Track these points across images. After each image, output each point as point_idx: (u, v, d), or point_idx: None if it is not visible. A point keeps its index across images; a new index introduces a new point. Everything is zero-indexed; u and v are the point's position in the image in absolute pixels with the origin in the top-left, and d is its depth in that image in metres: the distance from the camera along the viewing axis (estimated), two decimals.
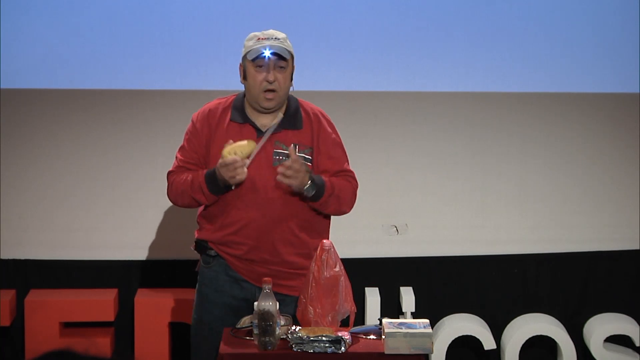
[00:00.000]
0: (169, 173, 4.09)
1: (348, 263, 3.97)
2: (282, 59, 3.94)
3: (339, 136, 4.10)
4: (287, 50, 3.97)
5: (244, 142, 3.89)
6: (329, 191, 3.96)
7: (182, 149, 4.09)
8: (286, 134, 4.01)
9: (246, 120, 4.01)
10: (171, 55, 5.13)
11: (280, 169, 3.88)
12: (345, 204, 4.05)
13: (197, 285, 4.15)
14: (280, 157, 3.97)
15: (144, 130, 5.21)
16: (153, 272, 5.22)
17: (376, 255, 5.28)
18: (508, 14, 5.23)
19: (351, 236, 5.23)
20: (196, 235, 4.14)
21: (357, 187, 4.08)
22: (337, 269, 3.76)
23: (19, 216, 5.19)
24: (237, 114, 4.02)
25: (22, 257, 5.18)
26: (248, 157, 3.89)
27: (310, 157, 4.01)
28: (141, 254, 5.22)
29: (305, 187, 3.90)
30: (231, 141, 3.89)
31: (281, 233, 4.00)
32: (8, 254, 5.17)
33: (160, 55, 5.12)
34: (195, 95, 5.12)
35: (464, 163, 5.33)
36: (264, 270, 3.98)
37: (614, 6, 5.25)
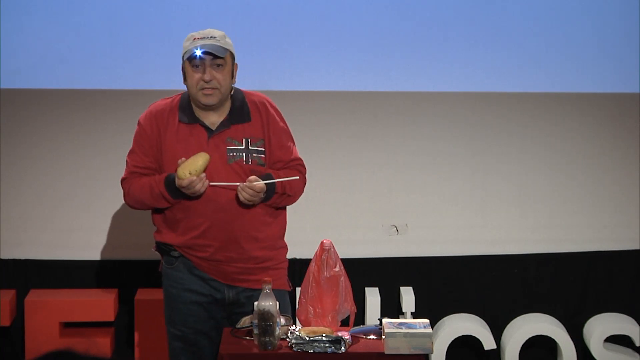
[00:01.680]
0: (123, 180, 4.05)
1: (348, 263, 3.97)
2: (217, 57, 3.91)
3: (286, 123, 4.09)
4: (221, 48, 3.92)
5: (196, 159, 3.86)
6: (279, 192, 3.97)
7: (132, 153, 4.06)
8: (236, 128, 3.98)
9: (194, 120, 3.99)
10: (171, 55, 5.12)
11: (245, 198, 3.87)
12: (294, 197, 4.08)
13: (163, 288, 4.12)
14: (234, 154, 3.96)
15: None
16: (153, 272, 5.21)
17: (376, 255, 5.28)
18: (508, 14, 5.23)
19: (351, 236, 5.23)
20: (156, 238, 4.10)
21: (305, 174, 4.08)
22: (337, 269, 3.76)
23: (19, 216, 5.19)
24: (184, 115, 3.99)
25: (22, 257, 5.18)
26: (205, 170, 3.87)
27: (262, 149, 4.00)
28: (141, 254, 5.21)
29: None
30: (183, 159, 3.87)
31: (245, 230, 3.98)
32: (8, 254, 5.17)
33: (160, 55, 5.11)
34: None
35: (464, 163, 5.33)
36: (230, 269, 3.99)
37: (614, 6, 5.25)
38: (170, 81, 5.15)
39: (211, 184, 3.90)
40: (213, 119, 3.99)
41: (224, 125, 3.98)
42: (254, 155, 3.98)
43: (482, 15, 5.22)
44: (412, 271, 5.28)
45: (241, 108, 4.01)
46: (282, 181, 3.95)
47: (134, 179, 4.01)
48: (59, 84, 5.13)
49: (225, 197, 3.95)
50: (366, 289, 5.18)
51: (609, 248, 5.37)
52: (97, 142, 5.21)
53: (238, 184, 3.90)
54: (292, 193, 4.03)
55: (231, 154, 3.96)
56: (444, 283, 5.30)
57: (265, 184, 3.89)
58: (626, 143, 5.39)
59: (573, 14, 5.25)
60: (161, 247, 4.08)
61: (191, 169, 3.84)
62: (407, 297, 5.09)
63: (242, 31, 4.99)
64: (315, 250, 3.78)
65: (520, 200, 5.37)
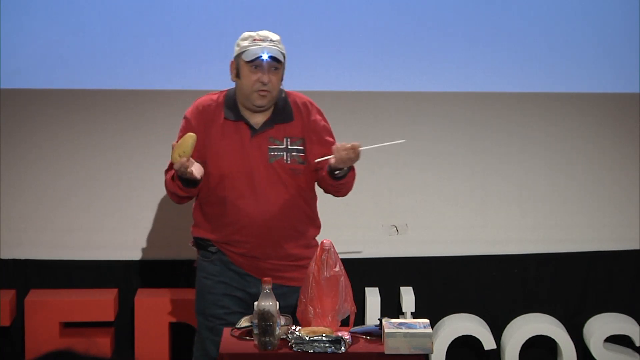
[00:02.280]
0: (165, 172, 4.13)
1: (348, 263, 3.97)
2: (278, 62, 4.02)
3: (327, 122, 4.19)
4: (282, 53, 4.04)
5: (185, 140, 3.89)
6: (352, 174, 4.07)
7: None
8: (278, 128, 4.08)
9: (240, 118, 4.07)
10: (171, 55, 5.13)
11: (342, 155, 3.90)
12: (349, 189, 4.17)
13: (196, 280, 4.19)
14: (275, 154, 4.06)
15: (144, 130, 5.21)
16: (153, 272, 5.22)
17: (376, 255, 5.28)
18: (508, 14, 5.23)
19: (351, 236, 5.23)
20: (194, 233, 4.18)
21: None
22: (337, 269, 3.76)
23: (19, 216, 5.19)
24: (231, 112, 4.08)
25: (22, 257, 5.18)
26: (194, 150, 3.90)
27: (302, 148, 4.09)
28: (141, 254, 5.22)
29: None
30: (173, 143, 3.91)
31: (282, 228, 4.07)
32: (8, 254, 5.17)
33: (160, 55, 5.11)
34: (195, 95, 5.10)
35: (464, 163, 5.33)
36: (267, 265, 4.06)
37: (614, 6, 5.25)
38: (171, 81, 5.15)
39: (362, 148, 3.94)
40: (257, 119, 4.08)
41: (267, 125, 4.07)
42: (294, 154, 4.08)
43: (482, 15, 5.22)
44: (412, 271, 5.28)
45: (284, 108, 4.11)
46: (377, 147, 4.02)
47: (171, 171, 4.08)
48: (59, 84, 5.13)
49: (263, 194, 4.04)
50: (366, 289, 5.18)
51: (609, 248, 5.37)
52: (97, 142, 5.20)
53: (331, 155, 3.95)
54: (352, 182, 4.13)
55: (272, 153, 4.06)
56: (444, 283, 5.30)
57: (359, 144, 3.92)
58: (626, 143, 5.39)
59: (573, 14, 5.25)
60: (199, 242, 4.16)
61: (180, 151, 3.88)
62: (407, 297, 5.09)
63: (242, 31, 4.98)
64: (315, 251, 3.79)
65: (520, 200, 5.37)
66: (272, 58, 3.99)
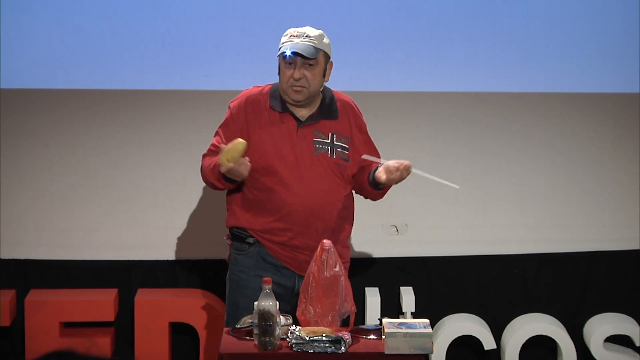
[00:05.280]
0: (203, 156, 4.20)
1: None
2: (307, 58, 4.05)
3: (366, 125, 4.29)
4: (313, 48, 4.06)
5: (235, 146, 3.94)
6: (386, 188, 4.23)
7: (217, 134, 4.20)
8: (324, 123, 4.15)
9: (286, 109, 4.13)
10: (171, 55, 5.13)
11: (391, 166, 4.02)
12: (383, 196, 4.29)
13: (229, 275, 4.21)
14: (320, 146, 4.12)
15: (143, 130, 5.21)
16: (153, 272, 5.21)
17: (376, 255, 5.29)
18: (508, 14, 5.23)
19: (351, 236, 5.23)
20: (230, 222, 4.21)
21: None
22: (337, 269, 3.76)
23: (19, 216, 5.19)
24: (276, 103, 4.13)
25: (22, 257, 5.17)
26: (244, 156, 3.95)
27: (347, 146, 4.17)
28: (141, 254, 5.21)
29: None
30: (223, 145, 3.97)
31: (324, 220, 4.11)
32: (8, 254, 5.17)
33: (160, 55, 5.11)
34: (195, 95, 5.12)
35: (464, 163, 5.33)
36: (305, 257, 4.08)
37: (614, 6, 5.25)
38: (171, 81, 5.15)
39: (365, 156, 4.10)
40: (303, 112, 4.15)
41: (313, 118, 4.14)
42: (339, 150, 4.15)
43: (482, 15, 5.22)
44: (412, 271, 5.28)
45: (330, 105, 4.18)
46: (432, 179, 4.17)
47: (210, 156, 4.15)
48: (59, 84, 5.13)
49: (307, 185, 4.09)
50: (366, 289, 5.18)
51: (609, 248, 5.37)
52: (97, 142, 5.20)
53: (381, 160, 4.11)
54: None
55: (317, 145, 4.12)
56: (444, 283, 5.30)
57: (411, 165, 4.05)
58: (626, 143, 5.39)
59: (573, 14, 5.25)
60: (235, 233, 4.18)
61: (228, 156, 3.93)
62: (407, 297, 5.09)
63: (242, 31, 4.99)
64: (316, 251, 3.79)
65: (520, 200, 5.37)
66: (296, 54, 4.03)
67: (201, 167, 4.18)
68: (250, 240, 4.15)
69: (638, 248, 5.37)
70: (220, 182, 4.08)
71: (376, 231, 5.30)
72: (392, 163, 4.04)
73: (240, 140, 3.96)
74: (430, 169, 5.31)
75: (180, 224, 5.20)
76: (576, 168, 5.39)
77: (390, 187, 4.20)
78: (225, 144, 4.03)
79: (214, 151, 4.13)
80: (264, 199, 4.11)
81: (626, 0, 5.24)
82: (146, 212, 5.23)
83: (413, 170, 4.04)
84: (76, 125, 5.20)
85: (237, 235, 4.18)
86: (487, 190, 5.36)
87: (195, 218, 5.21)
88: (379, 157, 4.22)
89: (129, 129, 5.21)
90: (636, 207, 5.39)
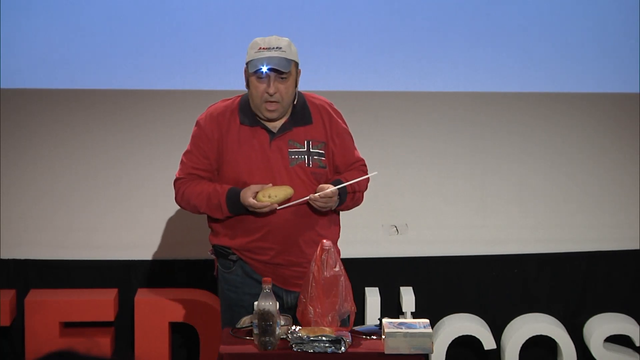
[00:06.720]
0: (177, 180, 4.04)
1: (348, 263, 3.97)
2: (281, 72, 3.89)
3: (345, 123, 4.11)
4: (286, 61, 3.90)
5: (283, 188, 3.89)
6: (349, 197, 4.04)
7: (188, 153, 4.04)
8: (297, 131, 3.99)
9: (256, 123, 3.98)
10: (171, 55, 5.13)
11: (320, 206, 3.91)
12: (361, 199, 4.14)
13: (220, 291, 4.13)
14: (296, 157, 3.97)
15: (144, 130, 5.21)
16: (153, 272, 5.22)
17: (376, 255, 5.28)
18: (508, 14, 5.23)
19: (351, 236, 5.22)
20: (213, 241, 4.10)
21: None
22: (337, 269, 3.76)
23: (19, 216, 5.19)
24: (246, 118, 3.98)
25: (22, 257, 5.18)
26: (281, 204, 3.89)
27: (323, 152, 4.01)
28: (141, 254, 5.21)
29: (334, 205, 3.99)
30: (270, 184, 3.89)
31: (306, 234, 4.00)
32: (8, 254, 5.17)
33: (160, 55, 5.11)
34: (195, 95, 5.12)
35: (464, 163, 5.33)
36: (289, 273, 4.01)
37: (614, 6, 5.25)
38: (170, 81, 5.15)
39: (279, 207, 3.90)
40: (275, 123, 3.99)
41: (286, 127, 3.98)
42: (315, 157, 4.00)
43: (482, 15, 5.22)
44: (412, 271, 5.28)
45: (302, 111, 4.01)
46: (348, 181, 3.99)
47: (191, 181, 4.00)
48: (59, 84, 5.13)
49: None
50: (366, 289, 5.18)
51: (609, 248, 5.37)
52: (97, 142, 5.20)
53: (307, 197, 3.91)
54: (359, 195, 4.09)
55: (293, 156, 3.97)
56: (444, 283, 5.30)
57: (337, 188, 3.91)
58: (626, 143, 5.39)
59: (573, 14, 5.25)
60: (218, 250, 4.08)
61: (272, 193, 3.86)
62: (407, 297, 5.09)
63: (242, 31, 4.99)
64: (316, 251, 3.78)
65: (520, 200, 5.37)
66: (273, 70, 3.87)
67: (182, 192, 4.01)
68: (233, 257, 4.04)
69: (638, 248, 5.37)
70: (215, 212, 3.95)
71: (376, 231, 5.30)
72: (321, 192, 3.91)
73: (291, 190, 3.89)
74: (430, 168, 5.33)
75: (180, 224, 5.20)
76: (576, 168, 5.39)
77: (346, 202, 4.04)
78: (202, 164, 3.96)
79: (194, 174, 3.99)
80: (241, 219, 3.98)
81: (626, 1, 5.25)
82: (146, 212, 5.23)
83: (327, 191, 3.89)
84: (76, 125, 5.20)
85: (221, 252, 4.07)
86: (487, 190, 5.36)
87: (195, 218, 5.21)
88: (354, 155, 4.08)
89: (129, 129, 5.22)
90: (636, 207, 5.39)
